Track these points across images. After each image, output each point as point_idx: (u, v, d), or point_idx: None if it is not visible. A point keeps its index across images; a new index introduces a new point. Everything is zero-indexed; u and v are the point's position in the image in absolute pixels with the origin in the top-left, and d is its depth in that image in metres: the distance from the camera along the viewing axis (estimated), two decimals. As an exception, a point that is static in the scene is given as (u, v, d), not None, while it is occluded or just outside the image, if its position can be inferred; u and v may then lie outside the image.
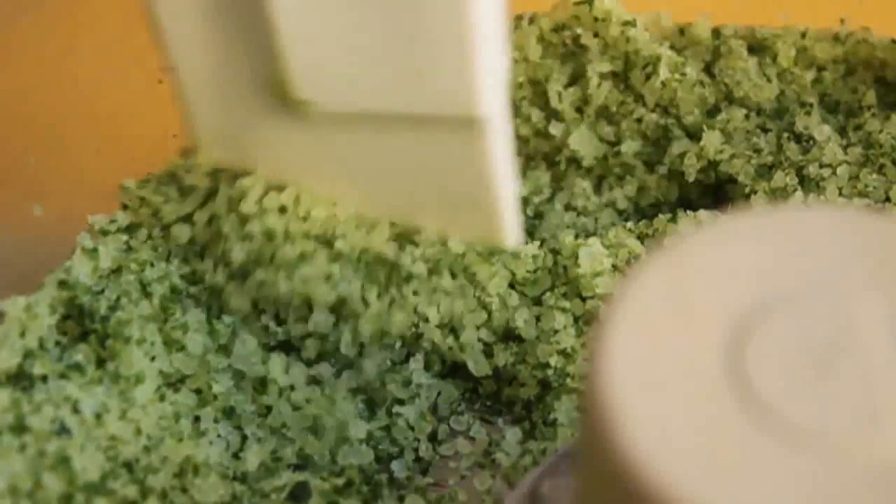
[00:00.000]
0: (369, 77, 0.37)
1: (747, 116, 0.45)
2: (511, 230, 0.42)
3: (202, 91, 0.39)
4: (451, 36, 0.35)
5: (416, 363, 0.41)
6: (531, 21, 0.46)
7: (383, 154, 0.40)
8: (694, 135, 0.45)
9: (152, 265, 0.41)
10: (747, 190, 0.44)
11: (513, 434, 0.41)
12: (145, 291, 0.41)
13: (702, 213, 0.43)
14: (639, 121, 0.45)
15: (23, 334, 0.39)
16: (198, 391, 0.40)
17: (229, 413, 0.40)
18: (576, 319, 0.41)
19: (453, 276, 0.41)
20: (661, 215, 0.43)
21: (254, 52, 0.38)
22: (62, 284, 0.40)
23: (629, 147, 0.45)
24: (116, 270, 0.40)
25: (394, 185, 0.40)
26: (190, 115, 0.40)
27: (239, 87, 0.39)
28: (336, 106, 0.38)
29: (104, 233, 0.42)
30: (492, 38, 0.36)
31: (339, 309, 0.41)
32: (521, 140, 0.46)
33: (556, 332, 0.40)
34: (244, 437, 0.40)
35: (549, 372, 0.40)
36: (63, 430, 0.37)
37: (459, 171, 0.39)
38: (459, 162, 0.39)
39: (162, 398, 0.40)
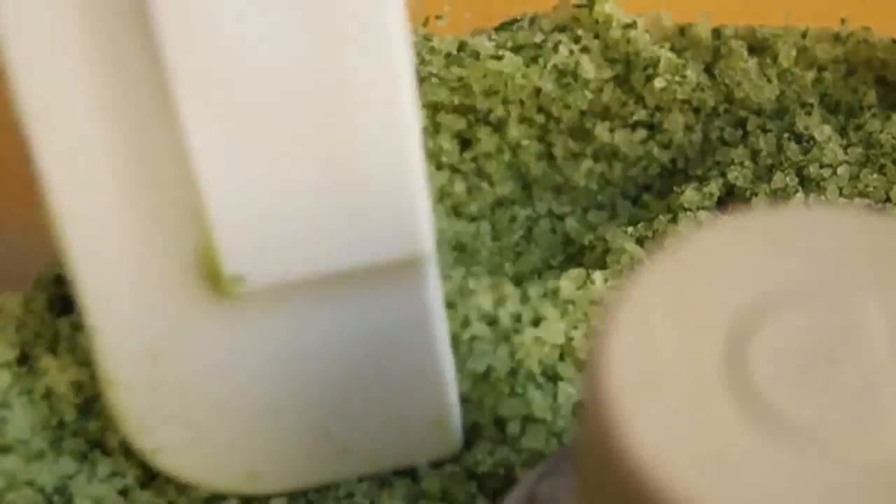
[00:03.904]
0: (308, 235, 0.32)
1: (747, 117, 0.45)
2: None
3: (106, 277, 0.33)
4: (394, 175, 0.31)
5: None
6: (531, 22, 0.46)
7: (318, 333, 0.34)
8: (694, 136, 0.45)
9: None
10: (747, 191, 0.44)
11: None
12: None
13: (702, 213, 0.43)
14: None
15: (19, 329, 0.39)
16: None
17: None
18: (576, 320, 0.41)
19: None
20: (661, 216, 0.43)
21: (174, 230, 0.32)
22: (59, 279, 0.40)
23: (630, 148, 0.46)
24: None
25: (328, 384, 0.35)
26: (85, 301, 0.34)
27: (154, 274, 0.33)
28: (272, 278, 0.32)
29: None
30: (422, 169, 0.32)
31: None
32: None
33: (556, 333, 0.40)
34: None
35: (550, 373, 0.40)
36: None
37: (401, 319, 0.34)
38: (401, 308, 0.34)
39: None
